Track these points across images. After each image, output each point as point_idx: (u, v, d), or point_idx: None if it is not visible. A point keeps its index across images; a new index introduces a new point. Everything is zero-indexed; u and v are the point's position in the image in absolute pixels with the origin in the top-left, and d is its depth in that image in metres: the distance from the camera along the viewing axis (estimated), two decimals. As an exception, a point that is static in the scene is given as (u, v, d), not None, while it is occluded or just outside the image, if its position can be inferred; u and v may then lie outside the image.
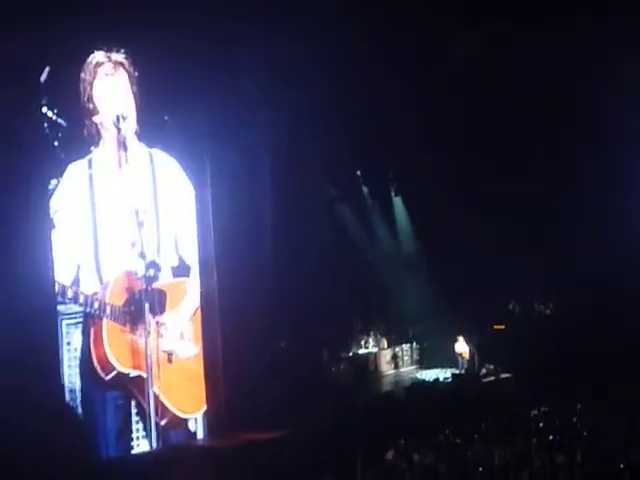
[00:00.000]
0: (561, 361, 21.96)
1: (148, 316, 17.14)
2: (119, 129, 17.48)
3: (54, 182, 17.26)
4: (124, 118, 17.52)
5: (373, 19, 21.09)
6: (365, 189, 27.32)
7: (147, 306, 17.11)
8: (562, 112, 23.46)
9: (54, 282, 16.60)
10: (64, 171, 17.46)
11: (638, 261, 23.13)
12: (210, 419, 19.04)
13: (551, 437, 15.68)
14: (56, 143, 17.14)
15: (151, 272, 17.18)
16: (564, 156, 23.96)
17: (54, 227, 17.20)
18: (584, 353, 21.75)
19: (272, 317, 20.33)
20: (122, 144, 17.58)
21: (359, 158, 25.83)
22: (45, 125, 16.87)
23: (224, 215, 19.27)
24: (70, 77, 17.23)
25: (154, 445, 17.29)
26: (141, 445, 18.04)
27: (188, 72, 18.34)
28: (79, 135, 17.59)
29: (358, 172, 26.81)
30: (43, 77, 16.49)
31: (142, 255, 17.13)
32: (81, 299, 17.31)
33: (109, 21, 16.81)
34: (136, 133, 18.41)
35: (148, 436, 17.44)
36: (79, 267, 17.61)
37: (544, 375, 21.37)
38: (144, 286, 17.08)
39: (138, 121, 18.36)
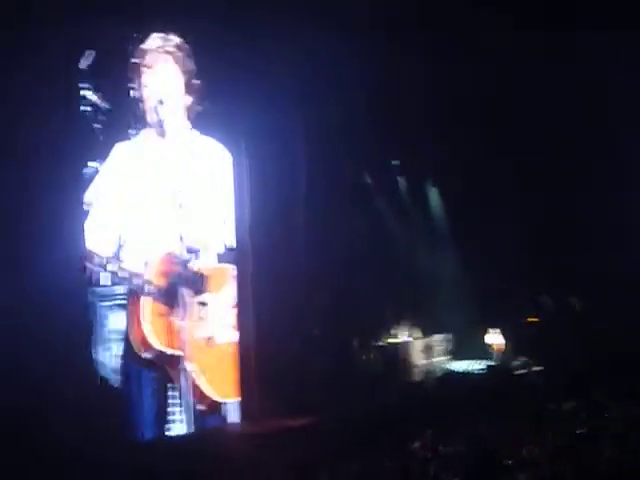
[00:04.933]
0: (595, 356, 21.85)
1: (183, 299, 17.45)
2: (159, 113, 17.80)
3: (93, 164, 17.43)
4: (163, 103, 17.83)
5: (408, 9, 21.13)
6: (401, 180, 27.26)
7: (184, 289, 17.44)
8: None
9: (84, 263, 16.85)
10: (104, 153, 17.64)
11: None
12: (243, 405, 19.19)
13: (579, 431, 15.65)
14: (96, 126, 17.35)
15: (189, 256, 17.49)
16: (608, 152, 23.77)
17: (98, 202, 17.42)
18: (618, 349, 21.63)
19: (305, 304, 20.44)
20: (163, 128, 17.84)
21: (396, 148, 25.78)
22: (85, 108, 17.11)
23: (260, 202, 19.39)
24: (114, 61, 17.41)
25: (189, 428, 17.58)
26: (176, 429, 18.22)
27: (228, 60, 18.52)
28: (121, 118, 17.77)
29: (395, 162, 26.75)
30: (85, 61, 16.70)
31: (181, 239, 17.43)
32: (123, 275, 17.53)
33: (158, 7, 17.07)
34: (189, 119, 18.62)
35: (184, 419, 17.66)
36: (122, 245, 17.79)
37: (577, 370, 21.29)
38: (182, 269, 17.38)
39: (189, 108, 18.58)
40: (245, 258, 19.46)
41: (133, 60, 17.77)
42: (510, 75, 23.05)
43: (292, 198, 20.33)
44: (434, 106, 23.23)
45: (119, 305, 17.79)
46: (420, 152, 26.08)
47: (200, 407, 18.21)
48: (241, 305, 19.40)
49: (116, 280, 17.56)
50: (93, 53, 16.84)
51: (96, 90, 17.29)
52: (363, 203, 25.40)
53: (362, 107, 22.13)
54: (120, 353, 17.75)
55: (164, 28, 18.05)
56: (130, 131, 18.03)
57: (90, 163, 17.45)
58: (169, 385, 18.15)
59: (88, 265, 16.92)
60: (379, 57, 21.37)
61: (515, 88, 23.37)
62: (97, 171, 17.45)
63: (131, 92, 17.86)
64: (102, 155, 17.60)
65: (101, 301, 17.73)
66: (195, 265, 18.11)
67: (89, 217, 17.17)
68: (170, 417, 18.25)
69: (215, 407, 18.88)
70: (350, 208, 24.06)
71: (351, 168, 24.63)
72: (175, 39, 18.24)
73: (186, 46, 18.33)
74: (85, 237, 16.83)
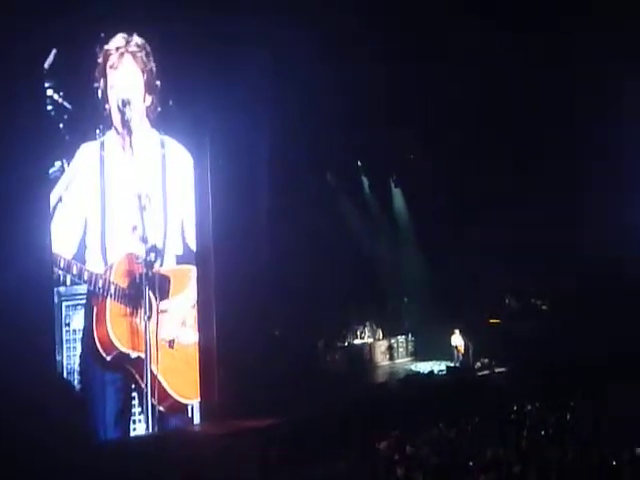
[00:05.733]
0: (556, 357, 22.00)
1: (147, 299, 17.39)
2: (123, 113, 17.69)
3: (58, 164, 17.30)
4: (128, 103, 17.73)
5: (377, 9, 21.15)
6: (365, 180, 27.32)
7: (147, 290, 17.35)
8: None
9: (51, 262, 16.73)
10: (69, 152, 17.49)
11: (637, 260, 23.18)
12: (205, 405, 19.14)
13: (543, 432, 15.75)
14: (61, 125, 17.24)
15: (152, 256, 17.43)
16: (566, 154, 23.99)
17: (61, 203, 17.26)
18: (579, 350, 21.79)
19: (268, 305, 20.45)
20: (127, 128, 17.75)
21: (360, 149, 25.83)
22: (50, 107, 17.00)
23: (222, 203, 19.34)
24: (78, 61, 17.29)
25: (151, 429, 17.49)
26: (139, 428, 18.13)
27: (192, 59, 18.50)
28: (86, 118, 17.64)
29: (358, 162, 26.80)
30: (49, 60, 16.60)
31: (143, 239, 17.38)
32: (86, 276, 17.48)
33: (121, 7, 17.00)
34: (149, 119, 18.55)
35: (146, 419, 17.60)
36: (86, 246, 17.67)
37: (539, 370, 21.43)
38: (144, 270, 17.31)
39: (149, 108, 18.51)
40: (207, 259, 19.42)
41: (97, 60, 17.66)
42: (485, 76, 23.18)
43: (255, 199, 20.29)
44: (401, 108, 23.30)
45: (82, 305, 17.65)
46: (385, 153, 26.20)
47: (162, 408, 18.16)
48: (202, 306, 19.38)
49: (79, 281, 17.47)
50: (58, 53, 16.73)
51: (61, 90, 17.15)
52: (327, 204, 25.42)
53: (327, 109, 22.19)
54: (83, 354, 17.62)
55: (128, 28, 17.96)
56: (96, 132, 17.89)
57: (56, 162, 17.30)
58: (132, 386, 18.09)
59: (52, 266, 16.83)
60: (344, 60, 21.42)
61: (483, 89, 23.51)
62: (63, 171, 17.33)
63: (95, 92, 17.71)
64: (68, 155, 17.45)
65: (65, 301, 17.59)
66: (156, 267, 18.02)
67: (54, 218, 17.03)
68: (132, 418, 18.19)
69: (178, 408, 18.84)
70: (314, 209, 24.08)
71: (315, 168, 24.68)
72: (137, 39, 18.15)
73: (148, 46, 18.25)
74: (51, 238, 16.71)
